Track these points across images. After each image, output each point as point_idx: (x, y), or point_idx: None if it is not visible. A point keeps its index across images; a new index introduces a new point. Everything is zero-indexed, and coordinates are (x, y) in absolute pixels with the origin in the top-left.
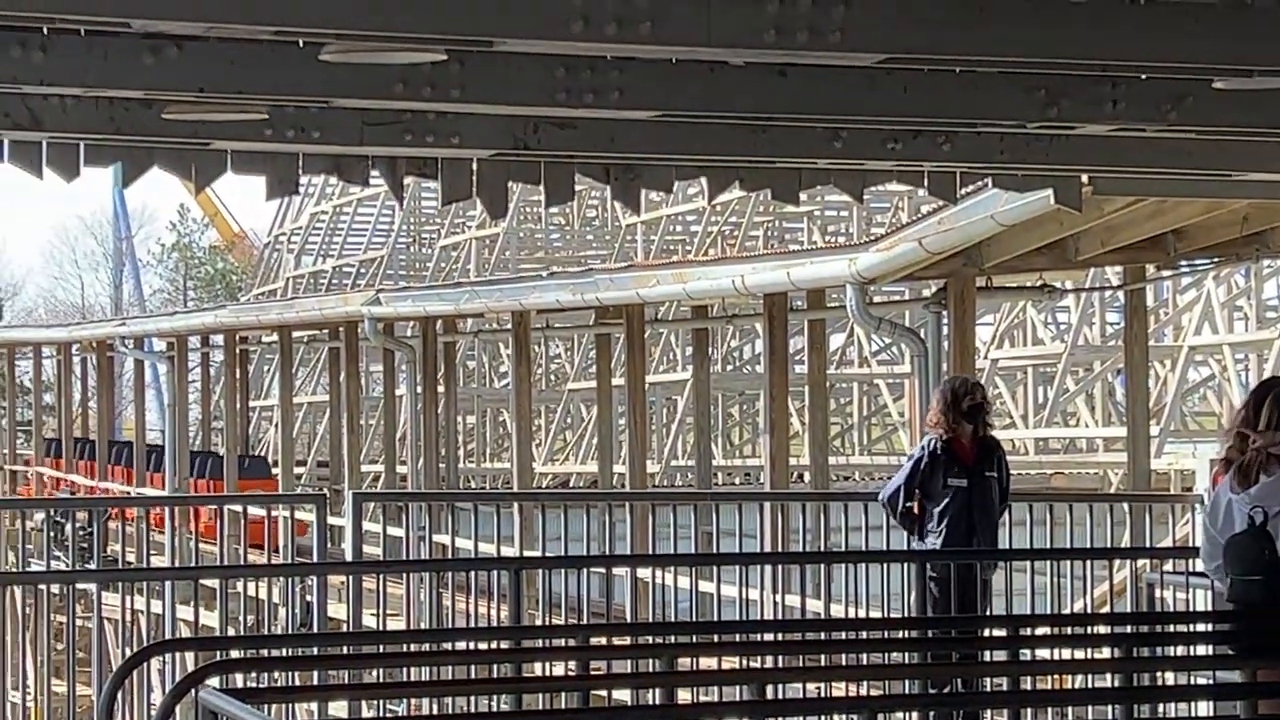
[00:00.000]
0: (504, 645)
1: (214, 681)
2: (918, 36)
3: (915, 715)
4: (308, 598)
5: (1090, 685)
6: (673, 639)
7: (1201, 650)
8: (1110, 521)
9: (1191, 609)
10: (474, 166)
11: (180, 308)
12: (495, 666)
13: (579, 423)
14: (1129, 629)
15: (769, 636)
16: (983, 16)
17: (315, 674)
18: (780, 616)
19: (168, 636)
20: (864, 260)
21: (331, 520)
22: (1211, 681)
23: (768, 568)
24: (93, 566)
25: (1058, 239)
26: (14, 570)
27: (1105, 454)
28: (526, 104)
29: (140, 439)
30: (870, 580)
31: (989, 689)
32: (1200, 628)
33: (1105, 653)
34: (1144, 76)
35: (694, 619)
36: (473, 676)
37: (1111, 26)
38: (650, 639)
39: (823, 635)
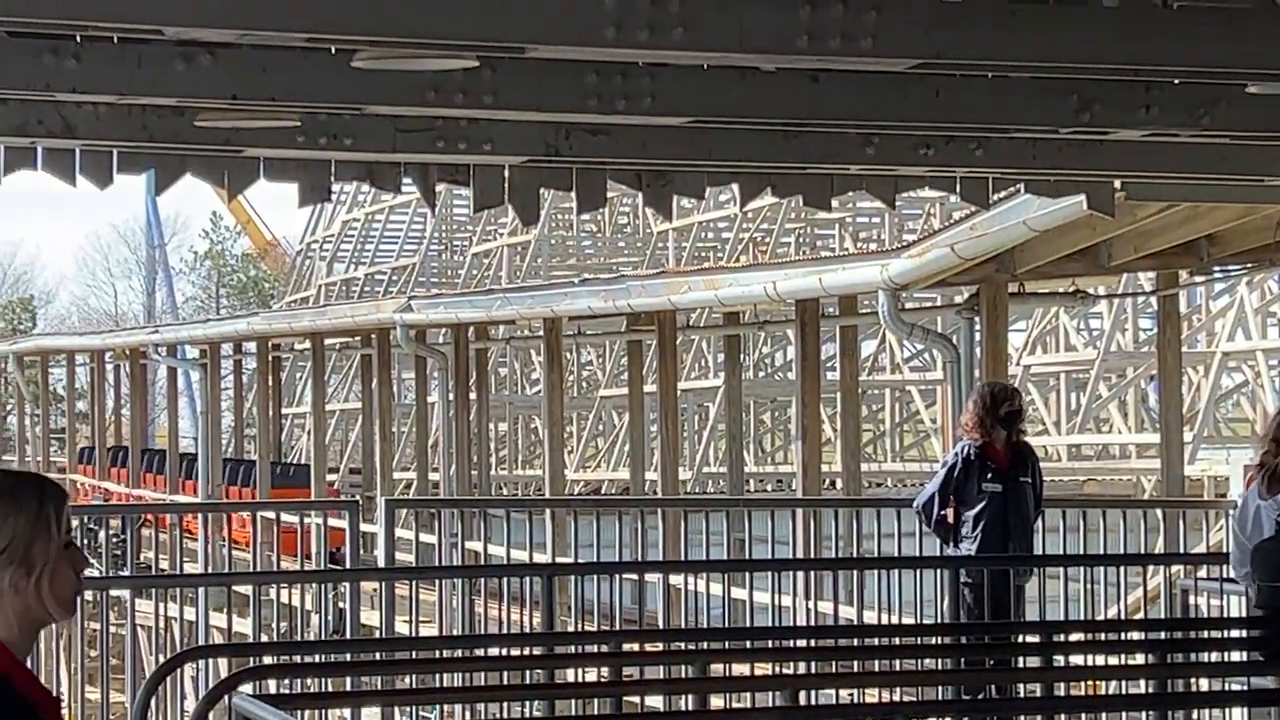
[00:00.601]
0: (537, 651)
1: (247, 688)
2: (950, 42)
3: None
4: (340, 604)
5: (1124, 692)
6: (705, 645)
7: (1236, 656)
8: (1144, 528)
9: (1226, 615)
10: (506, 173)
11: (213, 315)
12: (528, 672)
13: (611, 429)
14: (1163, 635)
15: (802, 642)
16: (1015, 21)
17: (348, 680)
18: (813, 623)
19: (201, 643)
20: (896, 266)
21: (364, 527)
22: (1246, 688)
23: (800, 574)
24: (126, 573)
25: (1090, 244)
26: None
27: (1138, 460)
28: (558, 110)
29: (173, 446)
30: (903, 586)
31: (1023, 695)
32: (1234, 634)
33: (1139, 659)
34: (1177, 81)
35: (726, 625)
36: (505, 682)
37: (1144, 31)
38: (683, 645)
39: (855, 641)
